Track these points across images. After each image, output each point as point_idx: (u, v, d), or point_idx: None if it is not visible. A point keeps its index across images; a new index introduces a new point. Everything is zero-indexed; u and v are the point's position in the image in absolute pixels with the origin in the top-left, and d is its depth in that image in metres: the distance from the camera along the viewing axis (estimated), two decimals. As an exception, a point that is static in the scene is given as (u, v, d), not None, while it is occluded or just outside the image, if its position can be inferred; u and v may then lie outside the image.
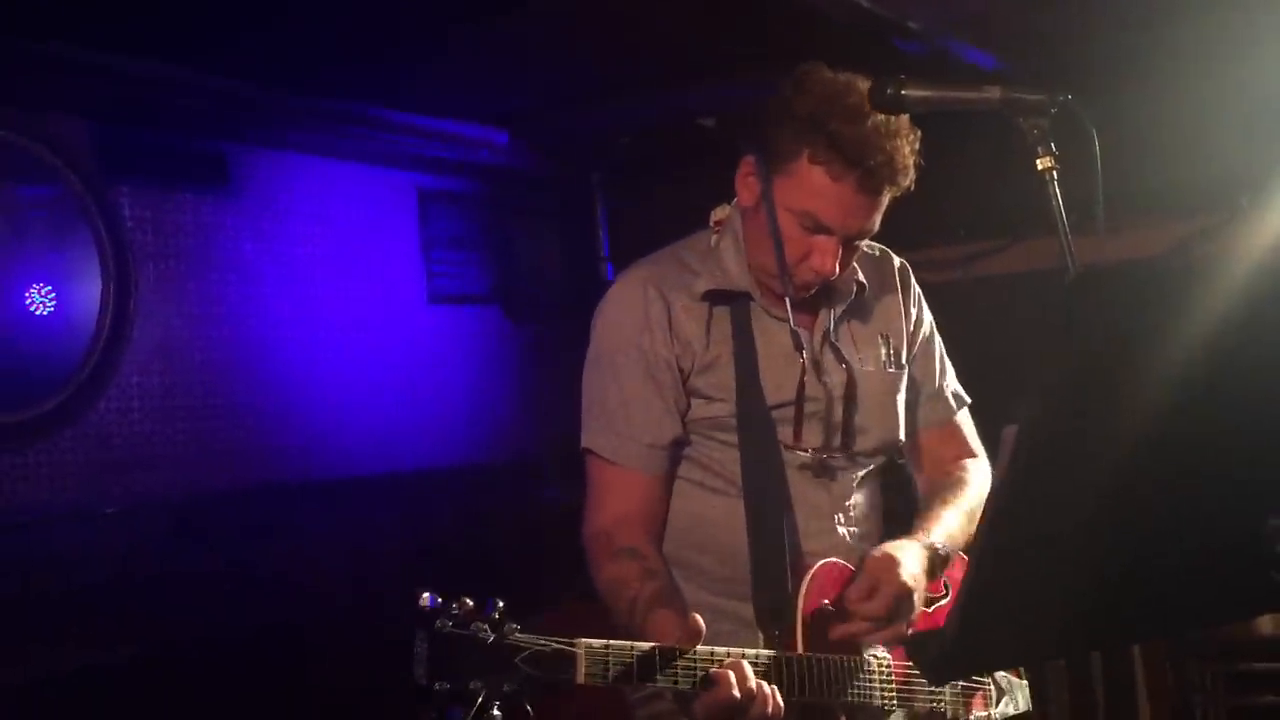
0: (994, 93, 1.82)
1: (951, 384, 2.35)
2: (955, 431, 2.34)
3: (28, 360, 3.58)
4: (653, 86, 4.01)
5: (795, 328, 2.07)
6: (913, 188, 2.03)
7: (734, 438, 2.07)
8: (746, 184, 2.06)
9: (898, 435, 2.22)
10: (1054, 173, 1.75)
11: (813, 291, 2.09)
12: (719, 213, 2.19)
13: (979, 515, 2.11)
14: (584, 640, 1.62)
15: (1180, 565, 1.35)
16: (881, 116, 1.93)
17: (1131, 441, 1.24)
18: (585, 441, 2.10)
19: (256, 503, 4.03)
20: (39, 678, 3.26)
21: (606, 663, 1.63)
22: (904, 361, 2.25)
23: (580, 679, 1.61)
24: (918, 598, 1.95)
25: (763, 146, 2.02)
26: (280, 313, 4.27)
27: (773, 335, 2.11)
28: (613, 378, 2.08)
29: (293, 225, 4.35)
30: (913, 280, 2.33)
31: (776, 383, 2.08)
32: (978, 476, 2.28)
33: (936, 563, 2.03)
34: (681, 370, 2.06)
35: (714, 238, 2.17)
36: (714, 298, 2.09)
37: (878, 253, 2.31)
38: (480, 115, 4.54)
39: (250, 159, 4.21)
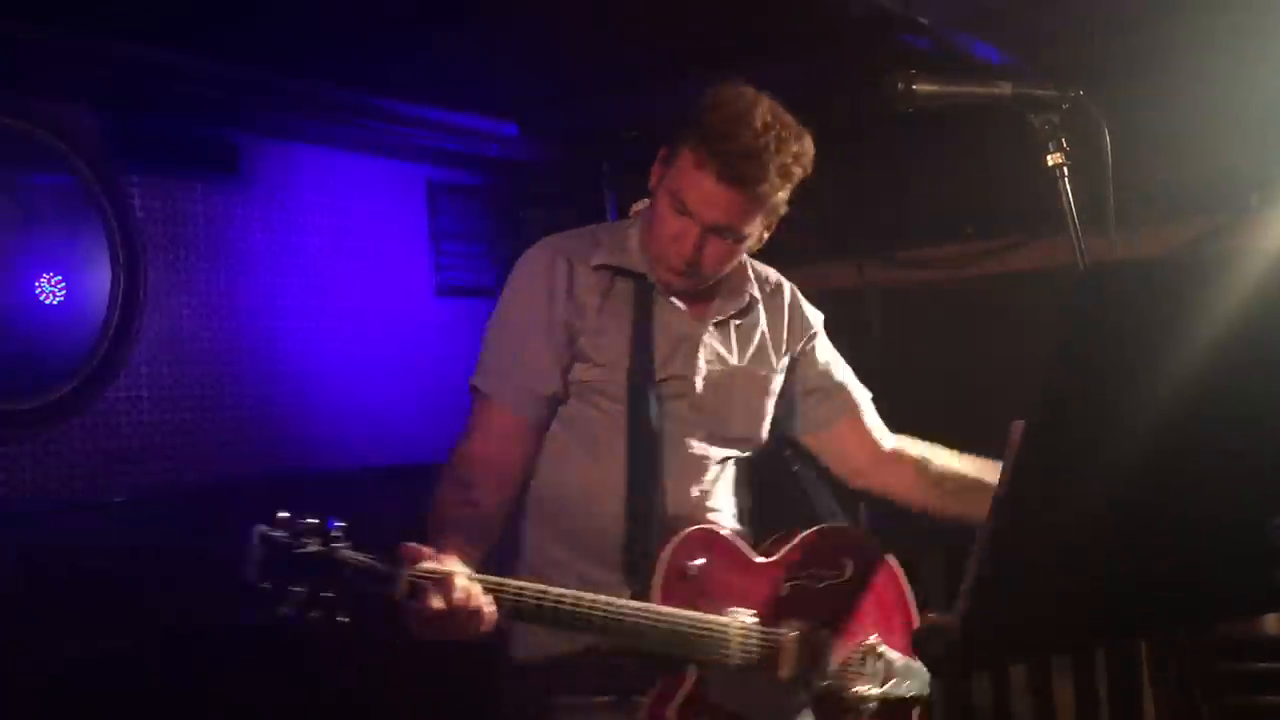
0: (1005, 88, 1.82)
1: (852, 382, 2.46)
2: (864, 423, 2.44)
3: (37, 349, 3.59)
4: (662, 78, 4.01)
5: (683, 308, 2.24)
6: (789, 203, 2.16)
7: (614, 405, 2.18)
8: (654, 172, 2.22)
9: (759, 432, 2.34)
10: (1065, 169, 1.75)
11: (680, 280, 2.20)
12: (639, 205, 2.35)
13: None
14: (408, 572, 1.77)
15: (1186, 562, 1.35)
16: (765, 123, 2.05)
17: (1138, 438, 1.24)
18: (471, 379, 2.24)
19: (264, 493, 4.04)
20: (46, 667, 3.27)
21: (416, 586, 1.77)
22: (777, 367, 2.37)
23: (400, 590, 1.76)
24: None
25: (670, 136, 2.19)
26: (288, 303, 4.28)
27: (667, 316, 2.23)
28: (509, 328, 2.24)
29: (301, 216, 4.36)
30: (803, 302, 2.46)
31: (664, 359, 2.21)
32: (924, 446, 2.42)
33: None
34: (573, 333, 2.19)
35: (627, 224, 2.33)
36: (612, 272, 2.23)
37: (772, 280, 2.44)
38: (489, 107, 4.54)
39: (260, 149, 4.22)
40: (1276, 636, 3.55)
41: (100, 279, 3.72)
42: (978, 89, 1.88)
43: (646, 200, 2.30)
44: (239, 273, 4.14)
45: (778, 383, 2.37)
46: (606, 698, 2.10)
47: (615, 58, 3.92)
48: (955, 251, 4.61)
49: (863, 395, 2.46)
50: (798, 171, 2.11)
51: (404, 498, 4.38)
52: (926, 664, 1.96)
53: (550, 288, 2.20)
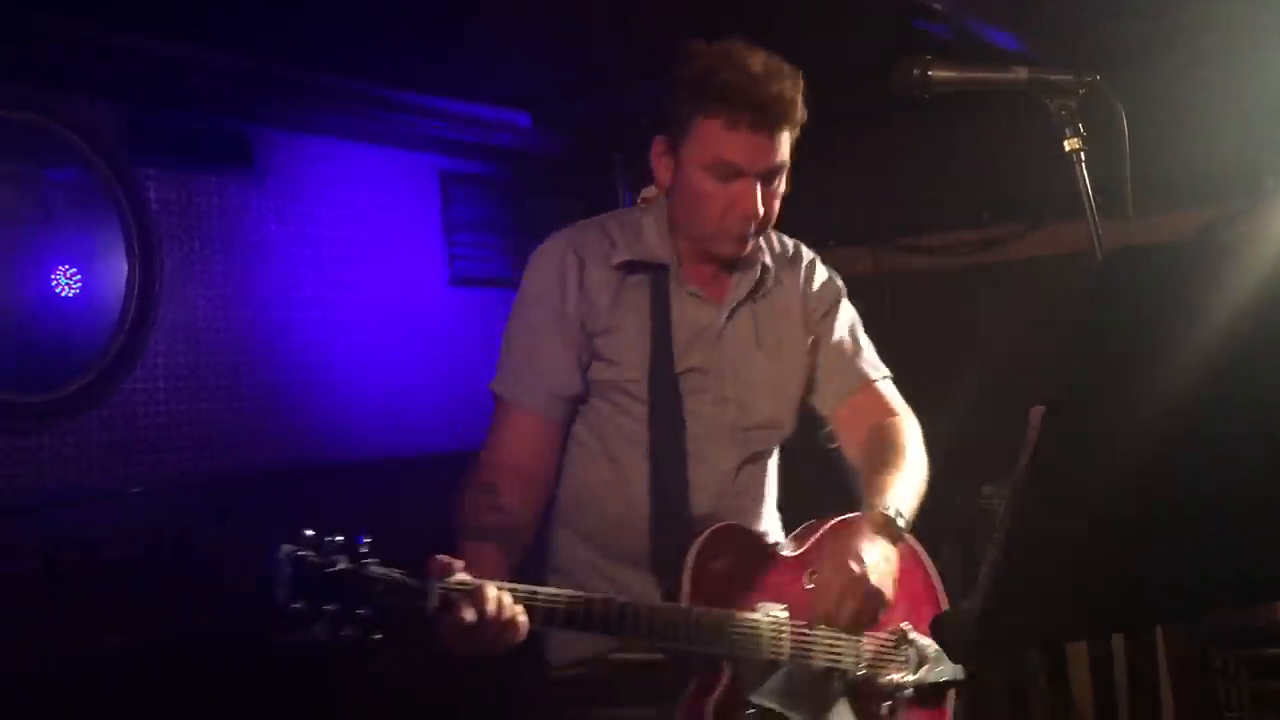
0: (1021, 73, 1.81)
1: (868, 357, 2.41)
2: (874, 397, 2.39)
3: (53, 342, 3.61)
4: (661, 80, 4.00)
5: (702, 295, 2.21)
6: (806, 121, 2.13)
7: (635, 404, 2.17)
8: (661, 164, 2.18)
9: (787, 418, 2.32)
10: (1081, 154, 1.75)
11: (749, 243, 2.17)
12: (648, 192, 2.34)
13: (920, 465, 2.23)
14: (432, 575, 1.75)
15: (1205, 548, 1.35)
16: (764, 63, 2.06)
17: (1158, 424, 1.24)
18: (491, 384, 2.23)
19: (280, 483, 4.05)
20: (64, 657, 3.29)
21: (448, 599, 1.75)
22: (802, 348, 2.33)
23: (433, 605, 1.74)
24: (887, 584, 2.03)
25: (666, 123, 2.15)
26: (303, 294, 4.29)
27: (685, 307, 2.21)
28: (525, 330, 2.21)
29: (315, 207, 4.37)
30: (820, 271, 2.40)
31: (683, 350, 2.19)
32: (907, 431, 2.34)
33: (895, 532, 2.11)
34: (587, 330, 2.17)
35: (638, 214, 2.29)
36: (630, 268, 2.20)
37: (791, 248, 2.40)
38: (502, 98, 4.54)
39: (274, 141, 4.22)
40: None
41: (116, 271, 3.73)
42: (993, 75, 1.87)
43: (653, 188, 2.28)
44: (253, 264, 4.15)
45: (803, 363, 2.34)
46: (647, 710, 2.08)
47: (628, 47, 3.91)
48: (971, 237, 4.60)
49: (876, 371, 2.40)
50: (800, 81, 2.11)
51: (418, 488, 4.41)
52: (946, 650, 1.97)
53: (563, 286, 2.18)
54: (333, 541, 1.69)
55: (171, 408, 3.88)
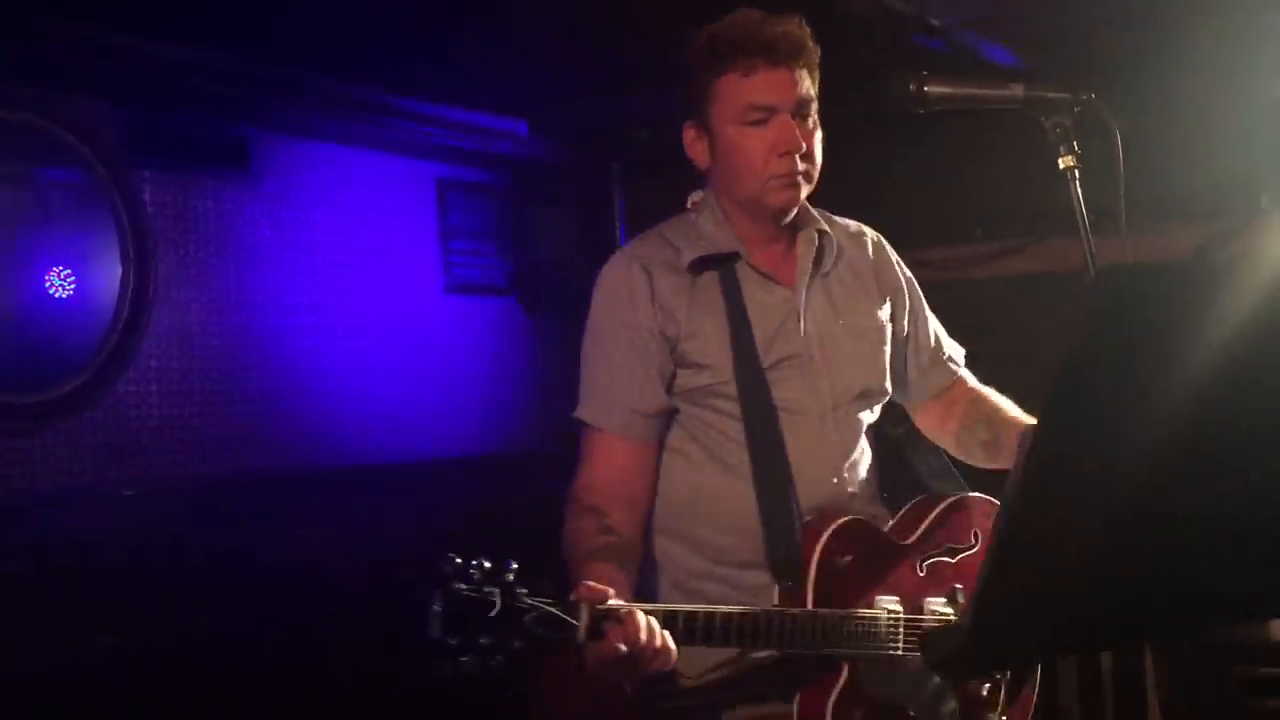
0: (1017, 90, 1.82)
1: (949, 348, 2.44)
2: (961, 387, 2.42)
3: (47, 343, 3.60)
4: (672, 78, 4.01)
5: (772, 278, 2.20)
6: (819, 56, 2.16)
7: (729, 404, 2.14)
8: (696, 148, 2.20)
9: (883, 382, 2.30)
10: (1076, 171, 1.75)
11: (798, 187, 2.14)
12: (695, 196, 2.30)
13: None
14: (584, 603, 1.73)
15: (1196, 567, 1.35)
16: (759, 13, 2.11)
17: (1150, 442, 1.24)
18: (575, 413, 2.21)
19: (271, 488, 4.05)
20: (53, 659, 3.28)
21: (598, 626, 1.73)
22: (884, 318, 2.33)
23: (582, 636, 1.72)
24: None
25: (689, 109, 2.18)
26: (298, 299, 4.29)
27: (759, 295, 2.19)
28: (601, 351, 2.19)
29: (311, 212, 4.36)
30: (889, 250, 2.42)
31: (767, 342, 2.16)
32: (1000, 398, 2.36)
33: None
34: (671, 340, 2.15)
35: (693, 216, 2.28)
36: (699, 266, 2.18)
37: (853, 227, 2.41)
38: (500, 105, 4.54)
39: (271, 145, 4.22)
40: (1282, 641, 3.54)
41: (110, 273, 3.73)
42: (990, 91, 1.88)
43: (700, 192, 2.28)
44: (248, 268, 4.15)
45: (888, 329, 2.32)
46: (780, 705, 2.07)
47: (626, 57, 3.92)
48: (964, 253, 4.60)
49: (959, 362, 2.43)
50: (805, 26, 2.14)
51: (411, 494, 4.41)
52: (933, 666, 1.97)
53: (634, 302, 2.16)
54: (481, 568, 1.66)
55: (164, 411, 3.87)
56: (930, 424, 2.43)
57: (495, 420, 4.84)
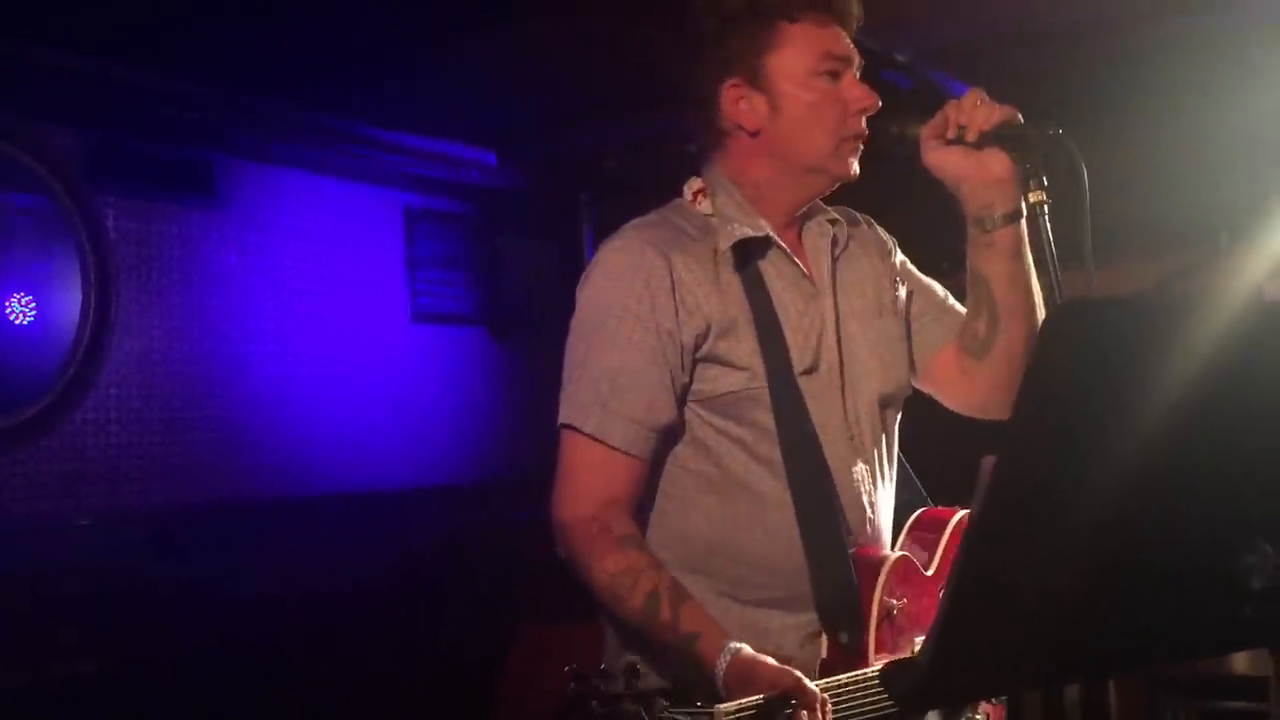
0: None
1: (943, 290, 2.20)
2: None
3: (5, 369, 3.56)
4: (641, 108, 4.03)
5: (796, 262, 1.93)
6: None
7: (759, 414, 1.85)
8: (741, 108, 1.90)
9: (906, 378, 2.04)
10: (1045, 206, 1.76)
11: (860, 145, 1.93)
12: (694, 183, 2.01)
13: None
14: (720, 707, 1.53)
15: (1155, 599, 1.35)
16: None
17: (1108, 475, 1.24)
18: (564, 416, 1.84)
19: (233, 518, 4.01)
20: (9, 689, 3.23)
21: None
22: (898, 296, 2.09)
23: None
24: None
25: (733, 62, 1.89)
26: (262, 327, 4.26)
27: (783, 288, 1.92)
28: (602, 345, 1.84)
29: (277, 239, 4.34)
30: (881, 231, 2.19)
31: (801, 344, 1.88)
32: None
33: None
34: (690, 342, 1.84)
35: (700, 205, 1.97)
36: (741, 250, 1.89)
37: (847, 214, 2.14)
38: (469, 135, 4.55)
39: (236, 171, 4.20)
40: (1244, 675, 3.56)
41: (71, 299, 3.69)
42: (960, 128, 1.89)
43: (696, 179, 2.00)
44: (211, 295, 4.12)
45: (900, 314, 2.07)
46: None
47: (594, 88, 3.94)
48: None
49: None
50: None
51: (374, 524, 4.38)
52: (892, 699, 1.93)
53: (649, 293, 1.83)
54: (613, 687, 1.47)
55: (123, 439, 3.83)
56: (950, 374, 2.08)
57: (463, 450, 4.82)
